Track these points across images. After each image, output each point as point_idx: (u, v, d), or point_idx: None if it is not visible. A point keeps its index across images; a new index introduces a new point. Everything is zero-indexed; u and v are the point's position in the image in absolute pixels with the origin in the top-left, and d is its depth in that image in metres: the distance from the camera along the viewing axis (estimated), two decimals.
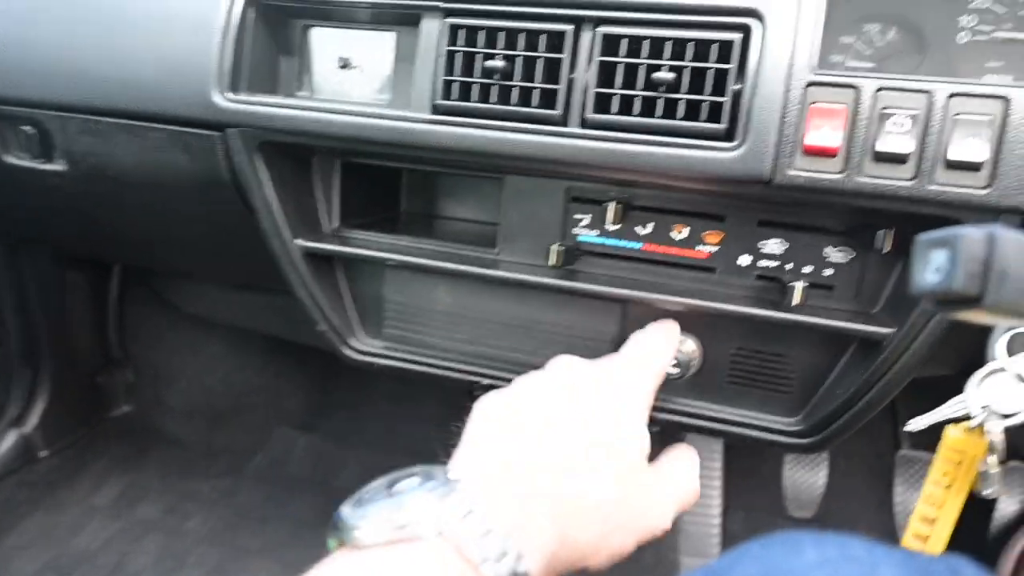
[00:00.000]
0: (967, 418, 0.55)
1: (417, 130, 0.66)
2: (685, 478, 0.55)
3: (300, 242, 0.76)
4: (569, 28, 0.62)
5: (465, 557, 0.37)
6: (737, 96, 0.59)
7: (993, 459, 0.52)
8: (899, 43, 0.67)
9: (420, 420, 1.49)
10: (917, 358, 0.63)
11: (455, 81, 0.66)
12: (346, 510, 0.40)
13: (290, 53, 0.75)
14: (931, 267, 0.35)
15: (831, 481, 1.22)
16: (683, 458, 0.56)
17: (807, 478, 1.15)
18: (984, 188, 0.55)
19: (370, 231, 0.80)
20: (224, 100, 0.70)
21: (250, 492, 1.44)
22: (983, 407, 0.53)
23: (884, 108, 0.55)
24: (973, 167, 0.55)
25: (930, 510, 0.57)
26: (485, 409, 0.51)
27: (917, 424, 0.58)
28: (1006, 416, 0.51)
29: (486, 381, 0.78)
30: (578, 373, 0.55)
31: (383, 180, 0.89)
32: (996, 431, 0.52)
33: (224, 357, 1.55)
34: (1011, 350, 0.54)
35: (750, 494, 1.28)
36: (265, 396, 1.57)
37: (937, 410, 0.57)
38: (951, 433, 0.55)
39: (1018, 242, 0.33)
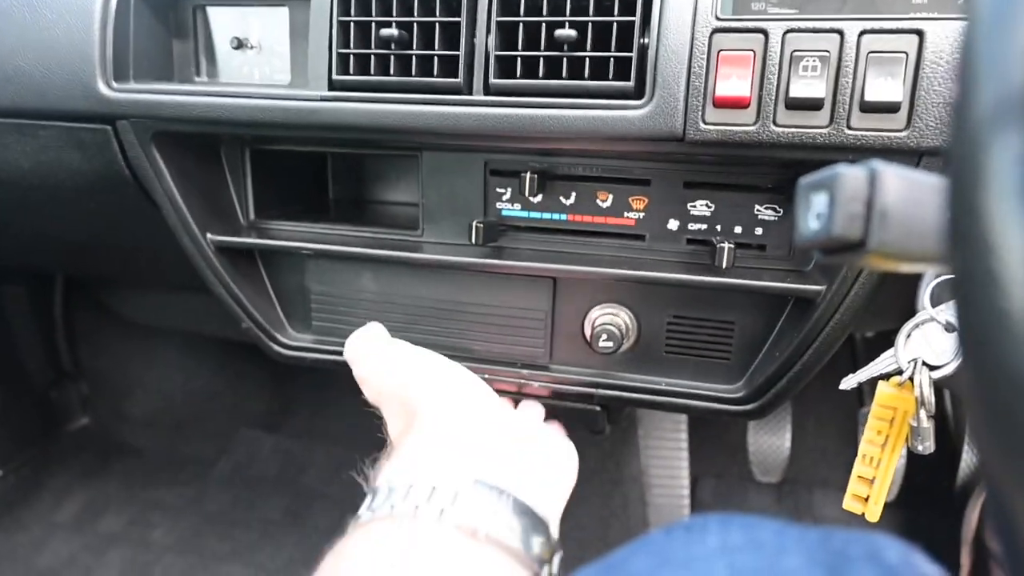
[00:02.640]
0: (898, 372, 0.53)
1: (315, 109, 0.62)
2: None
3: (211, 236, 0.72)
4: None
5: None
6: (644, 51, 0.56)
7: (923, 414, 0.49)
8: None
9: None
10: (851, 314, 0.61)
11: (351, 54, 0.62)
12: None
13: (183, 36, 0.70)
14: (812, 213, 0.32)
15: (799, 444, 1.21)
16: None
17: (772, 442, 1.13)
18: (903, 130, 0.52)
19: (290, 221, 0.76)
20: (110, 90, 0.66)
21: (216, 497, 1.41)
22: (911, 360, 0.51)
23: (794, 51, 0.52)
24: (891, 108, 0.52)
25: (867, 470, 0.54)
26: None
27: (849, 382, 0.56)
28: (933, 368, 0.49)
29: None
30: None
31: (307, 167, 0.85)
32: (925, 384, 0.49)
33: (181, 363, 1.52)
34: (937, 299, 0.51)
35: (719, 461, 1.26)
36: (226, 400, 1.54)
37: (869, 366, 0.55)
38: (882, 389, 0.53)
39: (901, 178, 0.30)
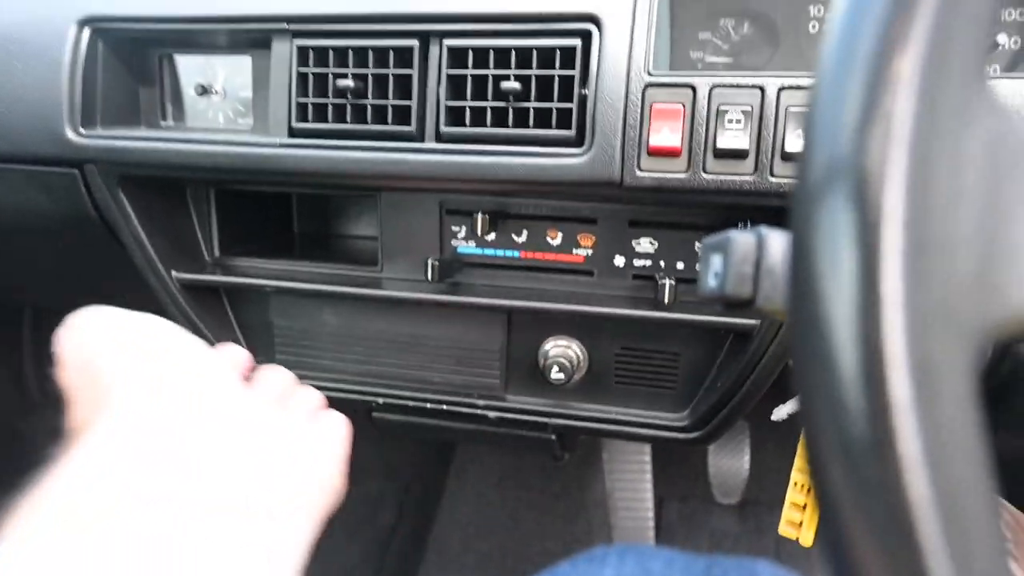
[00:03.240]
0: None
1: (274, 155, 0.65)
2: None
3: (176, 274, 0.75)
4: (415, 43, 0.62)
5: None
6: (584, 102, 0.60)
7: None
8: (753, 36, 0.68)
9: (361, 438, 1.48)
10: (784, 347, 0.65)
11: (310, 103, 0.65)
12: None
13: (149, 82, 0.73)
14: (711, 271, 0.35)
15: (760, 465, 1.24)
16: None
17: (730, 465, 1.16)
18: None
19: (253, 257, 0.79)
20: (78, 136, 0.68)
21: None
22: None
23: (720, 105, 0.56)
24: None
25: (799, 497, 0.58)
26: None
27: (780, 412, 0.59)
28: None
29: (382, 400, 0.77)
30: None
31: (272, 204, 0.87)
32: None
33: None
34: None
35: (684, 484, 1.29)
36: None
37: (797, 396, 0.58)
38: None
39: (786, 243, 0.34)
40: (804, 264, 0.24)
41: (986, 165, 0.24)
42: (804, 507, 0.59)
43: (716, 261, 0.35)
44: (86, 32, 0.68)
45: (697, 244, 0.69)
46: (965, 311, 0.23)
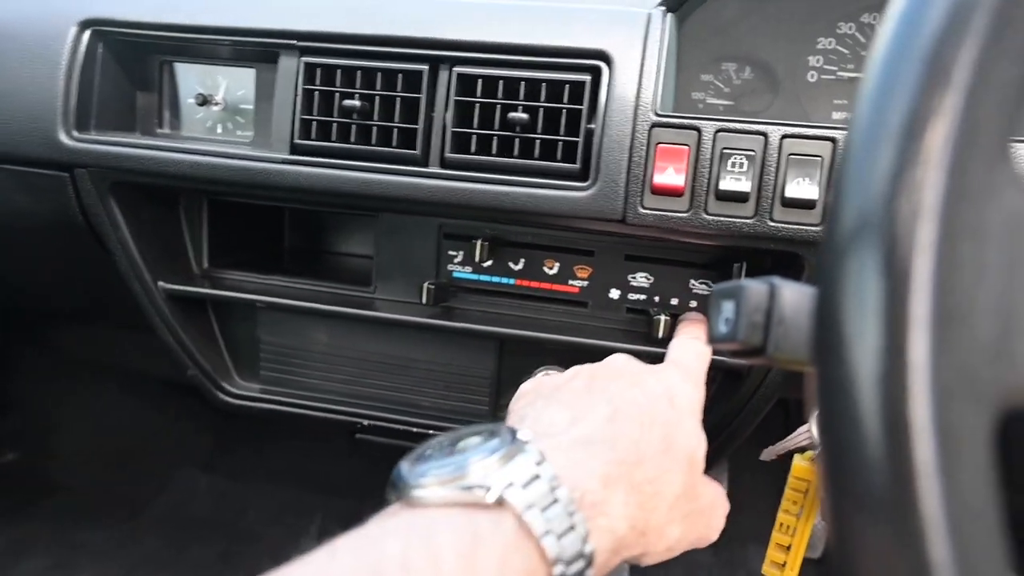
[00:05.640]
0: (813, 447, 0.57)
1: (275, 171, 0.64)
2: (723, 498, 0.53)
3: (163, 284, 0.73)
4: (425, 68, 0.62)
5: (526, 528, 0.34)
6: (590, 136, 0.60)
7: None
8: (754, 81, 0.70)
9: (328, 454, 1.45)
10: (775, 386, 0.66)
11: (314, 120, 0.64)
12: (405, 467, 0.37)
13: (148, 88, 0.72)
14: (722, 318, 0.36)
15: (735, 500, 1.25)
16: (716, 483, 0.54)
17: None
18: (819, 224, 0.57)
19: (243, 271, 0.77)
20: (70, 139, 0.67)
21: (148, 539, 1.37)
22: None
23: (724, 148, 0.57)
24: (808, 204, 0.57)
25: (784, 538, 0.58)
26: (537, 386, 0.50)
27: (768, 454, 0.60)
28: None
29: (367, 421, 0.76)
30: (633, 364, 0.52)
31: (263, 216, 0.86)
32: None
33: (119, 399, 1.47)
34: None
35: None
36: (165, 438, 1.50)
37: (786, 440, 0.59)
38: (797, 463, 0.57)
39: (797, 293, 0.34)
40: (831, 325, 0.24)
41: (1006, 238, 0.24)
42: (788, 548, 0.59)
43: (727, 308, 0.36)
44: (87, 34, 0.67)
45: (692, 281, 0.69)
46: (985, 380, 0.23)
